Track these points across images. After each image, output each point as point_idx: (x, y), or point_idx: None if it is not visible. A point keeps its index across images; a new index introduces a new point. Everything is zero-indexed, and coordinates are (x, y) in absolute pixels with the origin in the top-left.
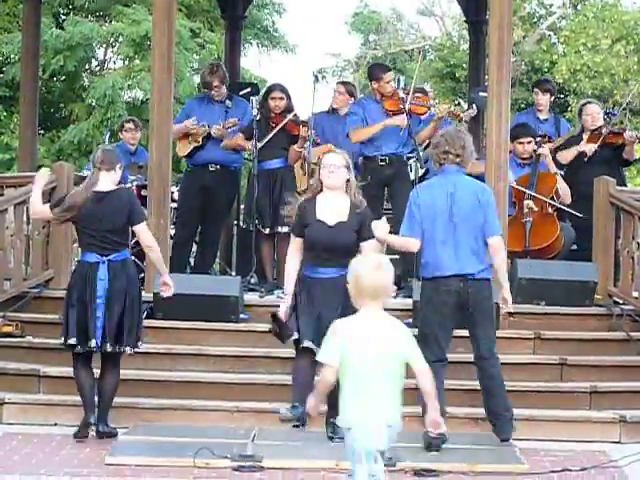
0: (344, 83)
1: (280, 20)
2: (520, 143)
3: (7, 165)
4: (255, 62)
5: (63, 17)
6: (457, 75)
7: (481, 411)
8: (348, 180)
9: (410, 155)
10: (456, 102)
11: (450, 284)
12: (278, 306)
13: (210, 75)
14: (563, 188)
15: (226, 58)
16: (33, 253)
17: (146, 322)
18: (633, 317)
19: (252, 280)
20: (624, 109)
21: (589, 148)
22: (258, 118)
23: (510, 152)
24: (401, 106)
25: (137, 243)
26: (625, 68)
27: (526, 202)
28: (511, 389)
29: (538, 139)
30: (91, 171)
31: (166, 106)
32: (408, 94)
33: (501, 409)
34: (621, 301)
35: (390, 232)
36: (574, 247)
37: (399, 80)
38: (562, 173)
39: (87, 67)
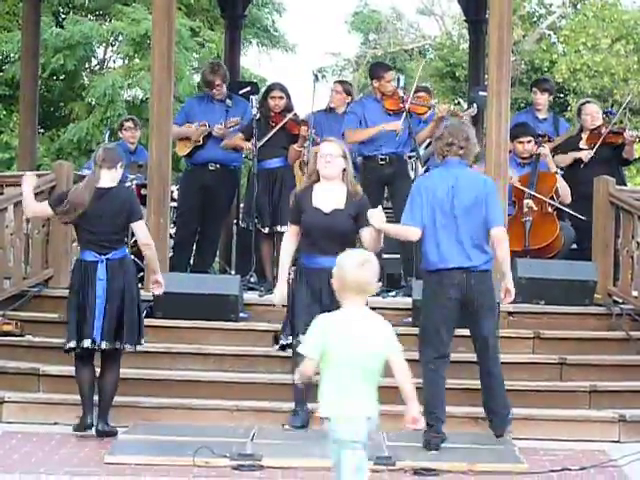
0: (341, 82)
1: (280, 19)
2: (520, 142)
3: (7, 164)
4: (255, 61)
5: (63, 16)
6: (457, 74)
7: (481, 410)
8: (344, 169)
9: (410, 154)
10: (456, 101)
11: (453, 277)
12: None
13: (212, 74)
14: (563, 187)
15: (226, 57)
16: (33, 252)
17: (146, 321)
18: (633, 316)
19: (252, 279)
20: (624, 109)
21: (585, 155)
22: (258, 117)
23: (510, 151)
24: (401, 105)
25: (136, 242)
26: (625, 67)
27: (526, 201)
28: (510, 388)
29: (538, 138)
30: (91, 169)
31: (166, 105)
32: (409, 94)
33: (500, 407)
34: (621, 300)
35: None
36: (574, 246)
37: (399, 79)
38: (562, 172)
39: (87, 66)
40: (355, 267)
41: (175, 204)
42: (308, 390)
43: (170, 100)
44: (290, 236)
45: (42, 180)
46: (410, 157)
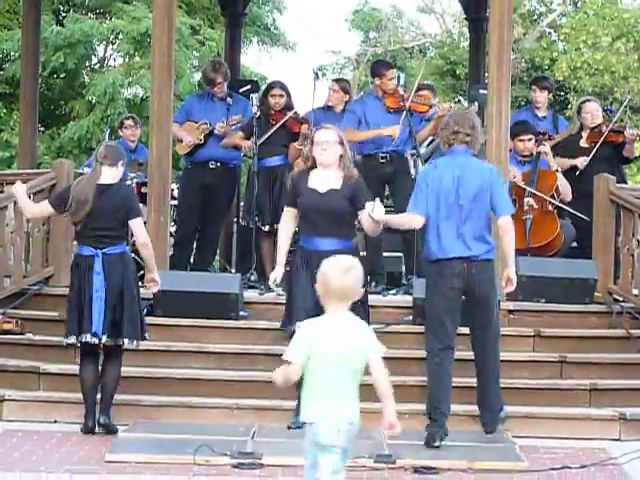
0: (338, 80)
1: (280, 17)
2: (520, 140)
3: (7, 162)
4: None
5: (63, 14)
6: (457, 72)
7: None
8: (341, 156)
9: (412, 152)
10: (456, 99)
11: (454, 266)
12: (278, 304)
13: (213, 72)
14: (563, 185)
15: (226, 55)
16: (33, 250)
17: (146, 319)
18: (633, 315)
19: (252, 277)
20: (625, 107)
21: (581, 162)
22: (258, 115)
23: (510, 150)
24: (402, 104)
25: None
26: (625, 66)
27: (526, 199)
28: (511, 386)
29: (538, 136)
30: (91, 167)
31: (166, 103)
32: (409, 92)
33: (492, 402)
34: (621, 299)
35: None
36: (574, 245)
37: (399, 77)
38: (562, 170)
39: (87, 64)
40: (339, 274)
41: (175, 202)
42: None
43: (170, 98)
44: (286, 219)
45: (42, 178)
46: (412, 154)
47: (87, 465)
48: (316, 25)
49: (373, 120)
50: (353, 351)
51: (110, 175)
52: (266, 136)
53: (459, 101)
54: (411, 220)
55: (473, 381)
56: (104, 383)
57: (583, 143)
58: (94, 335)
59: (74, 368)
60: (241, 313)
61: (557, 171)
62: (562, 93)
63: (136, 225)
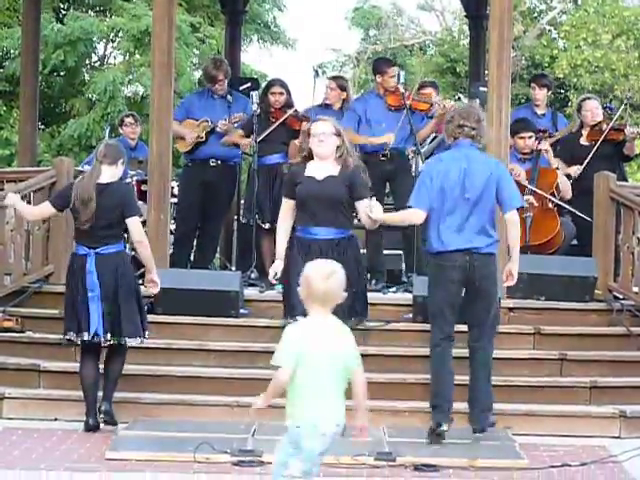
0: (335, 78)
1: (280, 15)
2: (521, 138)
3: (7, 160)
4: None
5: (63, 12)
6: (457, 70)
7: None
8: (339, 146)
9: (412, 149)
10: (457, 97)
11: (454, 259)
12: (278, 301)
13: (215, 69)
14: (563, 183)
15: (226, 53)
16: (33, 248)
17: (147, 317)
18: (633, 312)
19: (252, 275)
20: (625, 104)
21: (574, 170)
22: (258, 113)
23: (510, 147)
24: (403, 102)
25: None
26: (625, 63)
27: (526, 197)
28: (511, 384)
29: (539, 134)
30: (91, 165)
31: (166, 101)
32: (410, 90)
33: (482, 399)
34: (621, 296)
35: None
36: (574, 242)
37: (399, 75)
38: None
39: (87, 62)
40: (321, 279)
41: (175, 200)
42: None
43: (170, 96)
44: (285, 211)
45: (42, 176)
46: (413, 152)
47: (87, 463)
48: (316, 23)
49: (374, 118)
50: (339, 352)
51: (109, 174)
52: (266, 133)
53: (459, 99)
54: (411, 216)
55: None
56: (106, 374)
57: (583, 141)
58: (95, 335)
59: (74, 366)
60: (241, 311)
61: (557, 169)
62: (562, 91)
63: (132, 223)
